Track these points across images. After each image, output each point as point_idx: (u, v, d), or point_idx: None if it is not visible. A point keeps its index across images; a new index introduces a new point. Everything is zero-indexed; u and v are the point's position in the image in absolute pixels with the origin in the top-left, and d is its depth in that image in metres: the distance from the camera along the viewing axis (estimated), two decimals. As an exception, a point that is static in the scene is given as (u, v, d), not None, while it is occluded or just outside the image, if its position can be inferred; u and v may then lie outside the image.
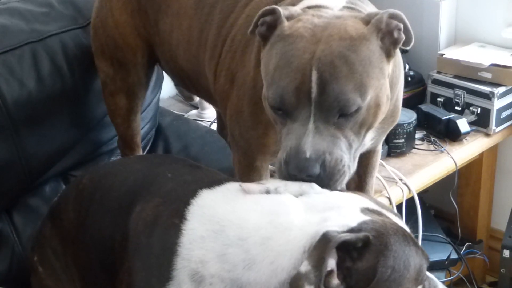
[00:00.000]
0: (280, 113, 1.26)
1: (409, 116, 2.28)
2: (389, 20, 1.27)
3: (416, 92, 2.56)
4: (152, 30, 1.81)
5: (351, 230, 1.07)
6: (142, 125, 2.19)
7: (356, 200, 1.16)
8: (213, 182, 1.29)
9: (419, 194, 2.21)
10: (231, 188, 1.28)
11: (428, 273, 1.18)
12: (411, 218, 2.16)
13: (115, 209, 1.36)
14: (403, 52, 1.70)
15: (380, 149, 1.69)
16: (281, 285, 1.09)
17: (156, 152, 2.22)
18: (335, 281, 1.06)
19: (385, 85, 1.29)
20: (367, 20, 1.27)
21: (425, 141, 2.40)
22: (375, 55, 1.25)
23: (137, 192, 1.34)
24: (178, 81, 1.95)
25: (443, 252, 2.55)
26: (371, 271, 1.06)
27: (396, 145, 2.27)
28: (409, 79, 2.50)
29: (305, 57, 1.22)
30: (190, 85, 1.86)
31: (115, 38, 1.86)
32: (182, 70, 1.78)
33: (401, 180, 2.16)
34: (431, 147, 2.37)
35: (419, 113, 2.39)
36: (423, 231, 2.20)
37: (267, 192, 1.22)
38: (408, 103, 2.31)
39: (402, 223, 1.15)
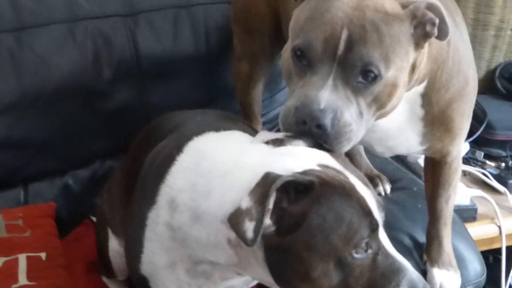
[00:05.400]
0: (301, 64, 1.26)
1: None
2: (425, 11, 1.23)
3: None
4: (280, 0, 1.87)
5: (294, 174, 1.07)
6: (275, 106, 2.27)
7: (320, 156, 1.15)
8: (224, 127, 1.33)
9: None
10: (235, 134, 1.31)
11: (386, 245, 1.11)
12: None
13: (153, 144, 1.45)
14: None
15: (453, 162, 1.60)
16: (225, 217, 1.11)
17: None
18: (267, 220, 1.06)
19: (406, 71, 1.26)
20: (404, 4, 1.25)
21: None
22: (405, 36, 1.23)
23: (171, 131, 1.43)
24: None
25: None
26: (302, 215, 1.06)
27: (532, 179, 2.09)
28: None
29: (338, 14, 1.22)
30: None
31: (249, 4, 1.96)
32: None
33: (519, 213, 1.99)
34: None
35: None
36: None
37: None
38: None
39: (361, 185, 1.11)
